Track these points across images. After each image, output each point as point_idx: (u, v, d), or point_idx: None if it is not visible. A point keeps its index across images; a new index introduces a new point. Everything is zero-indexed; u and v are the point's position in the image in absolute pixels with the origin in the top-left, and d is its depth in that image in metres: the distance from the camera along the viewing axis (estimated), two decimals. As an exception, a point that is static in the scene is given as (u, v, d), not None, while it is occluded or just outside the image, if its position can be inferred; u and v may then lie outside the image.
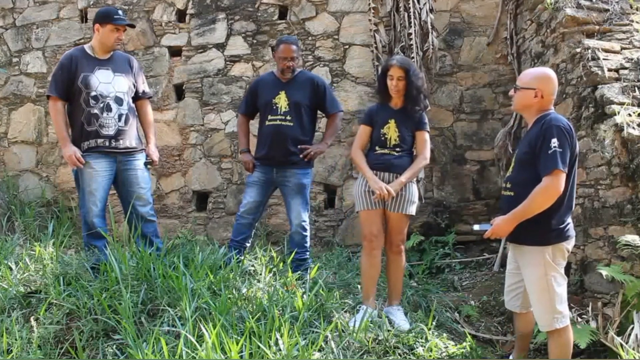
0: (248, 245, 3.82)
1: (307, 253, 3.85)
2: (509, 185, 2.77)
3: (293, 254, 3.69)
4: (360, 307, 3.26)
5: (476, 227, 2.99)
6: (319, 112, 3.97)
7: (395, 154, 3.31)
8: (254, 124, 4.12)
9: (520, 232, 2.67)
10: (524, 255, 2.71)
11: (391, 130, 3.32)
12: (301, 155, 3.75)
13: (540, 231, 2.61)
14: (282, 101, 3.75)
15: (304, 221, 3.76)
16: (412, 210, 3.35)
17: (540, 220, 2.60)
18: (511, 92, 2.84)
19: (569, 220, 2.71)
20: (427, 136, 3.41)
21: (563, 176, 2.54)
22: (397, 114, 3.35)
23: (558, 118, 2.67)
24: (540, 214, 2.59)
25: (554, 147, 2.53)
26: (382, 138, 3.33)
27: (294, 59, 3.77)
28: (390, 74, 3.30)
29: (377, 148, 3.35)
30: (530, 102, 2.72)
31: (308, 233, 3.82)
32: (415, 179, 3.41)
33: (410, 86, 3.29)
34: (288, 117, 3.73)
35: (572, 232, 2.70)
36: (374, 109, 3.47)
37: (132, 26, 3.78)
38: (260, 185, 3.78)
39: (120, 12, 3.55)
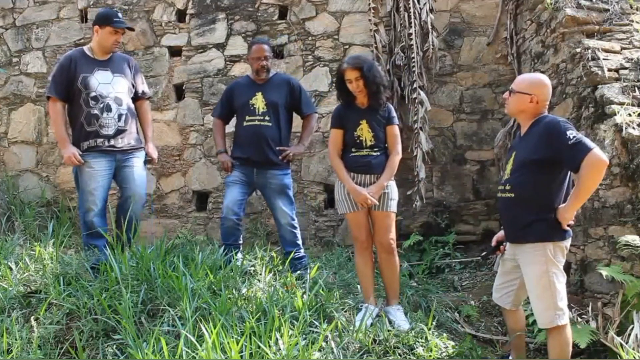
0: (241, 242, 3.81)
1: (302, 250, 3.86)
2: (508, 187, 2.79)
3: (292, 254, 3.69)
4: (361, 305, 3.29)
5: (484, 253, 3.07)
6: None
7: (374, 154, 3.31)
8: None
9: (523, 230, 2.69)
10: (525, 253, 2.73)
11: (365, 132, 3.30)
12: (280, 157, 3.77)
13: (542, 227, 2.64)
14: (259, 102, 3.78)
15: (293, 219, 3.79)
16: (393, 206, 3.36)
17: (542, 217, 2.64)
18: (505, 95, 2.87)
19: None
20: (397, 130, 3.39)
21: (598, 152, 2.52)
22: (366, 114, 3.32)
23: (556, 118, 2.74)
24: (543, 211, 2.64)
25: (573, 137, 2.54)
26: (357, 140, 3.30)
27: (267, 58, 3.80)
28: (347, 78, 3.27)
29: (353, 150, 3.32)
30: (525, 107, 2.77)
31: (298, 231, 3.83)
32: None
33: (368, 81, 3.24)
34: (266, 118, 3.75)
35: (570, 231, 2.73)
36: (342, 111, 3.39)
37: (131, 29, 3.79)
38: (241, 184, 3.77)
39: (119, 14, 3.58)
